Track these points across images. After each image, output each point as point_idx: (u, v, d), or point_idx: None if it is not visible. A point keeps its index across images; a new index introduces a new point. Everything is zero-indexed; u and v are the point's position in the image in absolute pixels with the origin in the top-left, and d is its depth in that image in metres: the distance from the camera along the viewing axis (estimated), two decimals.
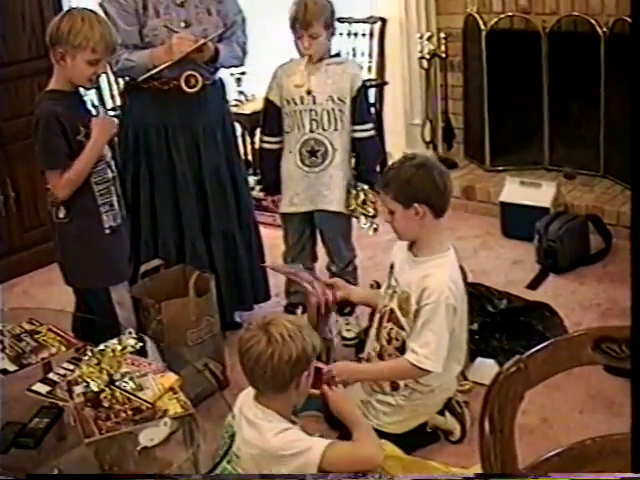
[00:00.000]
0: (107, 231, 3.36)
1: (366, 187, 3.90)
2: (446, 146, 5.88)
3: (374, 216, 3.92)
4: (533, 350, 1.65)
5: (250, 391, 2.73)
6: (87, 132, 3.26)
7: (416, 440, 3.27)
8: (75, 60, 3.18)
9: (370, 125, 4.00)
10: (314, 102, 3.87)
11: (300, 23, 3.80)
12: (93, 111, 3.62)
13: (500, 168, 5.63)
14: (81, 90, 3.38)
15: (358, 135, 3.92)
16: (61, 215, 3.32)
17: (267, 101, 4.00)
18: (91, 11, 3.29)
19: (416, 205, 3.08)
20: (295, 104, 3.90)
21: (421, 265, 3.17)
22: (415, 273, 3.17)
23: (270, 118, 4.00)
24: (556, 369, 1.65)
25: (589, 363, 1.67)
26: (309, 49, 3.82)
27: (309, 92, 3.87)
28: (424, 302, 3.10)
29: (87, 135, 3.26)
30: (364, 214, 3.93)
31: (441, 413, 3.35)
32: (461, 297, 3.18)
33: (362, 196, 3.90)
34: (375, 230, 3.97)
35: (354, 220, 4.02)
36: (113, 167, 3.41)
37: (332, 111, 3.87)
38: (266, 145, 4.05)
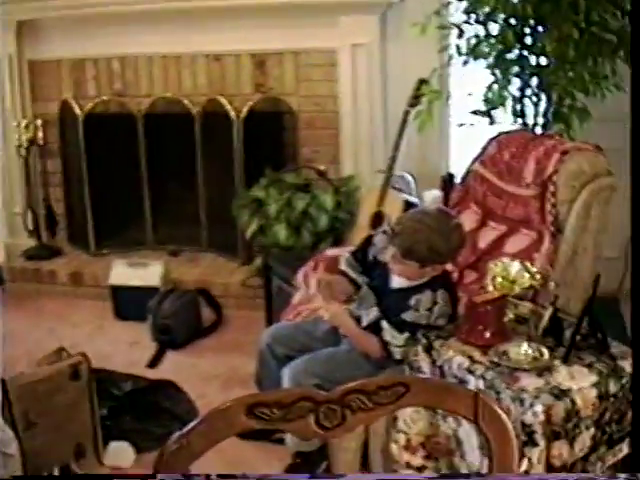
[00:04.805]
0: None
1: None
2: (50, 234, 5.78)
3: None
4: (192, 424, 1.68)
5: None
6: None
7: None
8: None
9: None
10: None
11: None
12: None
13: (105, 251, 5.62)
14: None
15: None
16: None
17: None
18: None
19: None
20: None
21: None
22: None
23: None
24: (216, 438, 1.70)
25: (245, 429, 1.73)
26: None
27: None
28: None
29: None
30: None
31: None
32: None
33: None
34: None
35: None
36: None
37: None
38: None
